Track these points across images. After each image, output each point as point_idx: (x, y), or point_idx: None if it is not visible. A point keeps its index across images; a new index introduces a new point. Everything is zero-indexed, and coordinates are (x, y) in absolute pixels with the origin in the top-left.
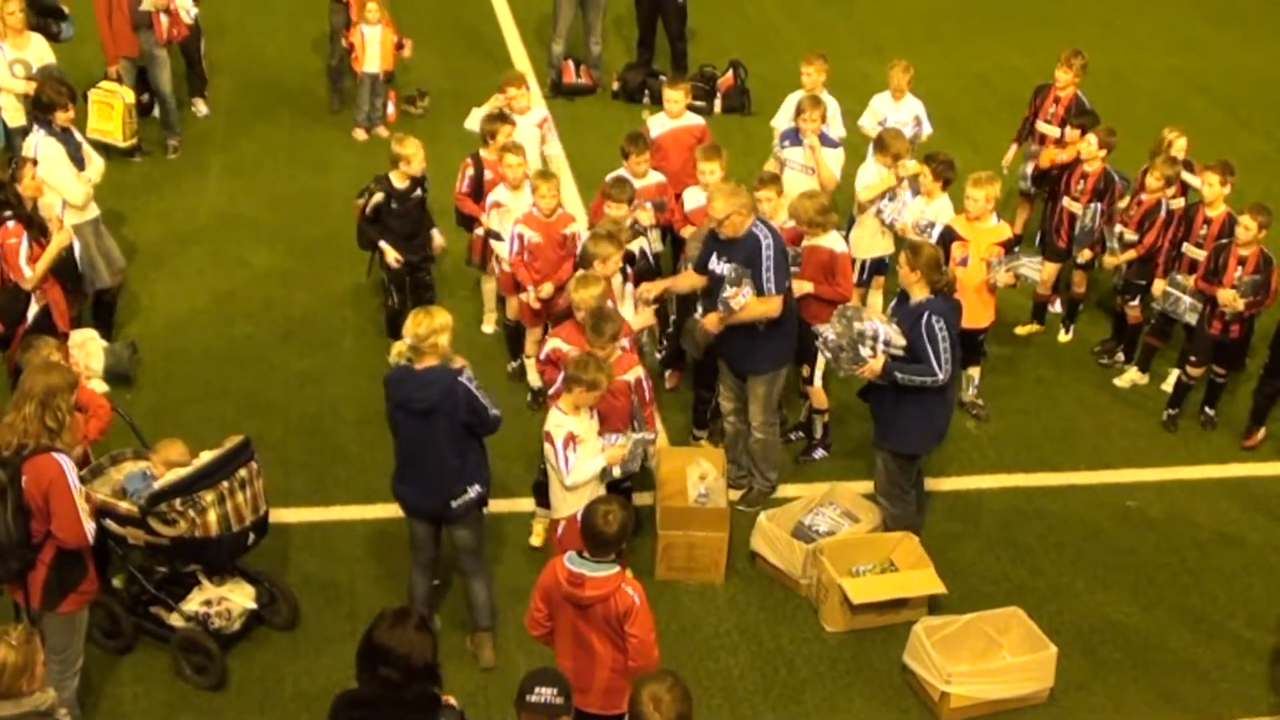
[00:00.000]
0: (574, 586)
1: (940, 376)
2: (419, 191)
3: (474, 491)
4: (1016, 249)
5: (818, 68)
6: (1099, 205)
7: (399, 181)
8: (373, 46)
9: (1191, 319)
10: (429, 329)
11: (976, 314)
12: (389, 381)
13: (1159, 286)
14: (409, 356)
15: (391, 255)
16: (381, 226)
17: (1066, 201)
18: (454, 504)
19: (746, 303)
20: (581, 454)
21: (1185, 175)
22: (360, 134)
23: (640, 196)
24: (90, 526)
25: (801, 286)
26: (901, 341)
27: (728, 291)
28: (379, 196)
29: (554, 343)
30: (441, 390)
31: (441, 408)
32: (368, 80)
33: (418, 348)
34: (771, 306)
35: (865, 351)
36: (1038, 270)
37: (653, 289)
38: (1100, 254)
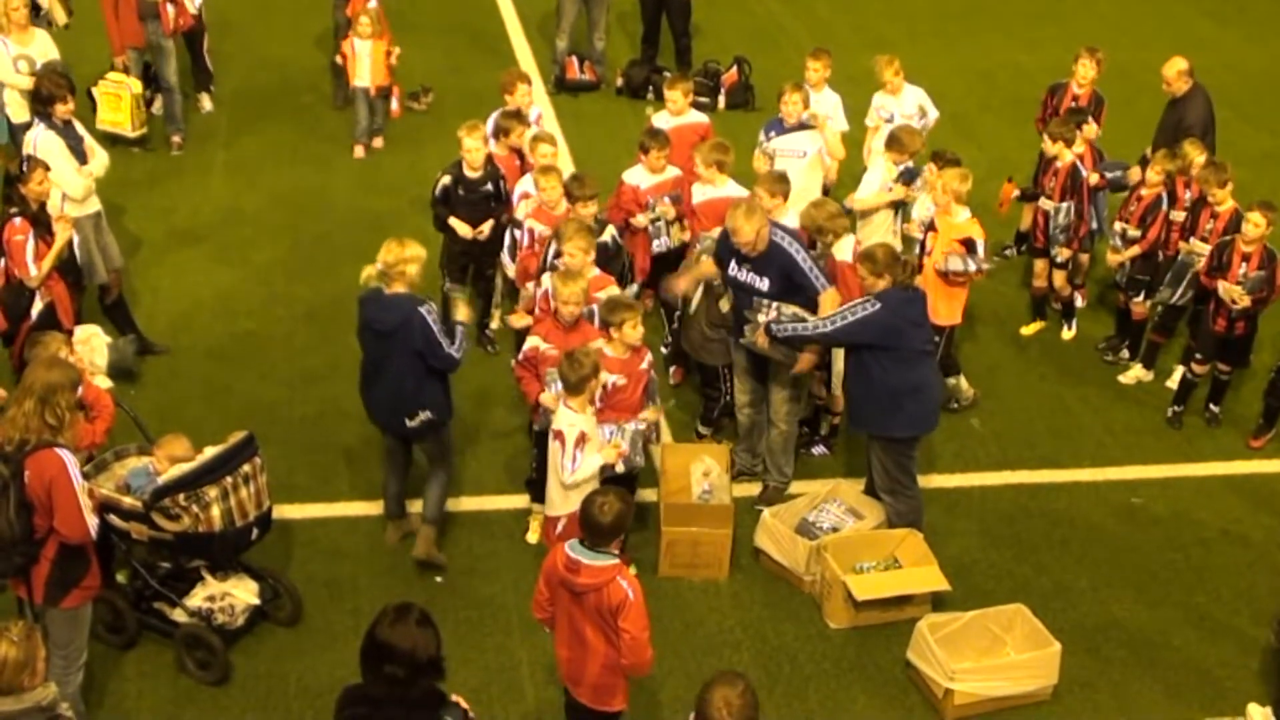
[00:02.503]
0: (569, 572)
1: (810, 325)
2: (489, 185)
3: (425, 415)
4: (979, 250)
5: (824, 63)
6: (1070, 203)
7: (469, 170)
8: (363, 61)
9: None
10: (398, 257)
11: (936, 307)
12: (360, 301)
13: (1184, 247)
14: (379, 281)
15: (462, 229)
16: (449, 210)
17: (1041, 200)
18: (409, 423)
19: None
20: (587, 452)
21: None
22: (359, 151)
23: (658, 191)
24: (93, 522)
25: None
26: (791, 311)
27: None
28: (445, 180)
29: (533, 341)
30: (401, 316)
31: (399, 332)
32: (360, 94)
33: (386, 274)
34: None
35: (760, 317)
36: (966, 268)
37: (680, 283)
38: (1079, 251)
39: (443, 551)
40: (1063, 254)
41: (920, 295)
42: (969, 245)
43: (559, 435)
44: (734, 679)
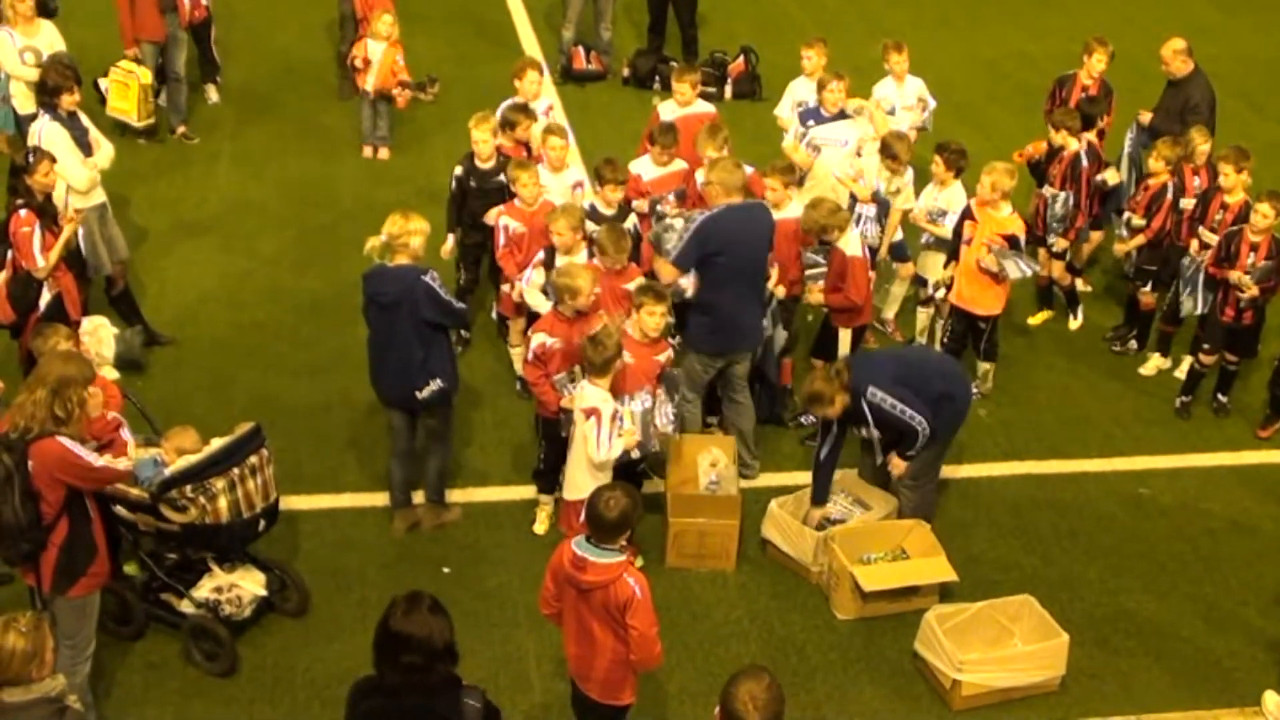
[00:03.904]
0: (576, 569)
1: (924, 433)
2: (501, 176)
3: (437, 384)
4: (1021, 246)
5: (819, 51)
6: (1068, 193)
7: (480, 162)
8: (373, 64)
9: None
10: (402, 229)
11: (977, 297)
12: (364, 277)
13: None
14: (382, 253)
15: (446, 247)
16: (463, 206)
17: (1045, 188)
18: (420, 395)
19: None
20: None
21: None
22: (368, 151)
23: (665, 186)
24: (123, 463)
25: (811, 296)
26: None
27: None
28: (458, 171)
29: (538, 338)
30: (405, 285)
31: (404, 302)
32: (365, 98)
33: (390, 245)
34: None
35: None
36: (1024, 271)
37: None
38: (1076, 242)
39: (449, 543)
40: (1059, 244)
41: (873, 360)
42: (1013, 241)
43: (594, 412)
44: (759, 673)
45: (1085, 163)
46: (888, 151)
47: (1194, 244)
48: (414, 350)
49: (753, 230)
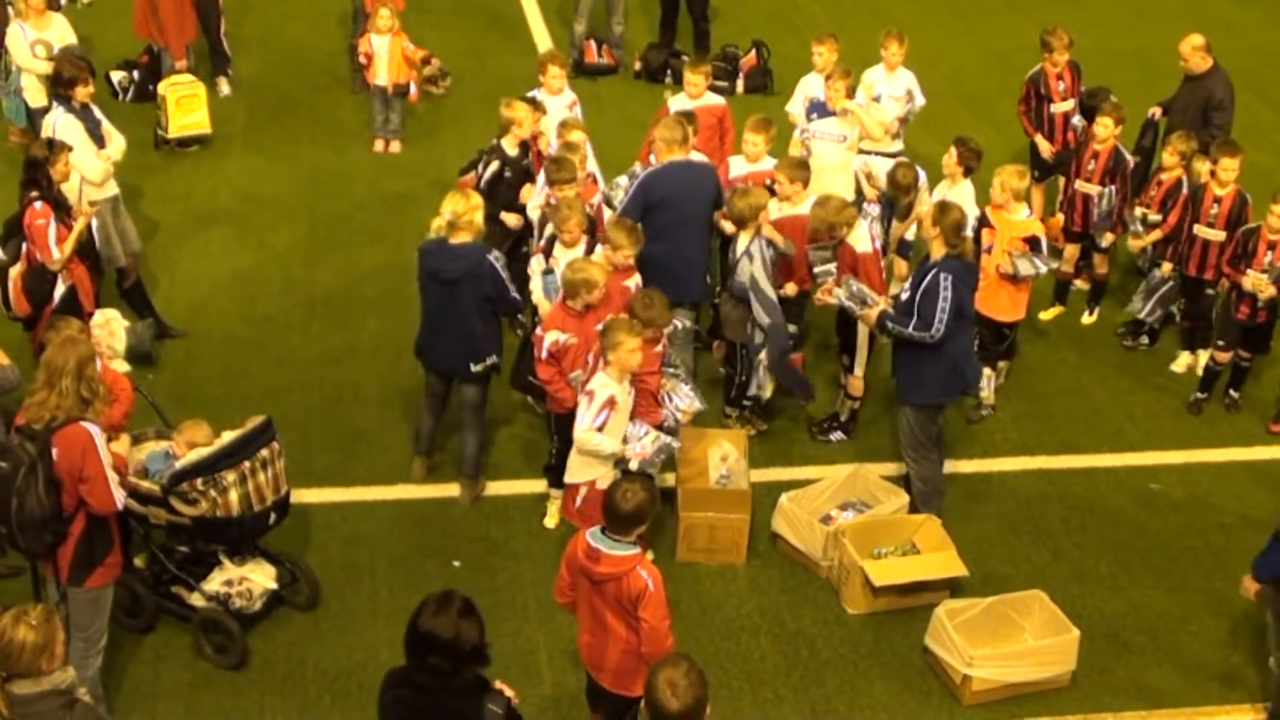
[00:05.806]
0: (589, 560)
1: (930, 333)
2: (527, 160)
3: (492, 360)
4: (1043, 247)
5: (829, 47)
6: (1112, 188)
7: (511, 149)
8: (381, 59)
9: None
10: (466, 207)
11: (999, 303)
12: (423, 252)
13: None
14: (445, 231)
15: (512, 219)
16: (496, 197)
17: (1079, 183)
18: (474, 367)
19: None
20: (611, 423)
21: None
22: (379, 145)
23: None
24: (120, 495)
25: (822, 296)
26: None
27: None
28: (495, 166)
29: (551, 336)
30: (470, 263)
31: (468, 279)
32: (377, 92)
33: (455, 223)
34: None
35: (869, 302)
36: (1038, 269)
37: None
38: (1121, 235)
39: (460, 536)
40: (1107, 239)
41: (974, 269)
42: (1033, 243)
43: (589, 394)
44: (678, 660)
45: (1126, 155)
46: (891, 180)
47: (1166, 266)
48: (475, 325)
49: (695, 185)
